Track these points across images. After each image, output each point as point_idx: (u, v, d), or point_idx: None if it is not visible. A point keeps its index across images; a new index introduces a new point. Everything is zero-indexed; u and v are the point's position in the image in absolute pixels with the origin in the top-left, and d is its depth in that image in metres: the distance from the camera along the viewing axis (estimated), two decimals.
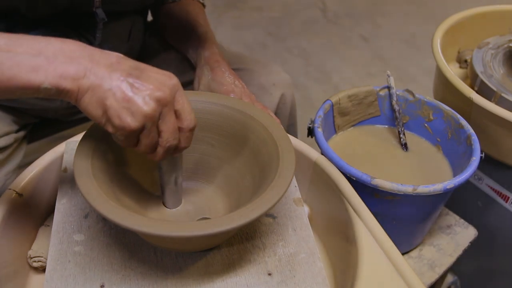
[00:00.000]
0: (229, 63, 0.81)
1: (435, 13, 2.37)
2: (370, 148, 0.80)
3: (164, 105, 0.47)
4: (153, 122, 0.47)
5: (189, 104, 0.49)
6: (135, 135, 0.47)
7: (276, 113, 0.91)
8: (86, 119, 0.93)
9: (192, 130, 0.50)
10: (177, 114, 0.48)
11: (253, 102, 0.75)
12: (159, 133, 0.48)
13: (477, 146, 0.71)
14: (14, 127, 0.77)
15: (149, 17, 0.96)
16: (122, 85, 0.45)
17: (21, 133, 0.80)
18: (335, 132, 0.82)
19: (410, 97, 0.81)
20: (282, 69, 0.94)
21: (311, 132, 0.75)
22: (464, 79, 0.94)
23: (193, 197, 0.60)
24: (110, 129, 0.47)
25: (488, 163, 0.85)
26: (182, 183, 0.57)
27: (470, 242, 0.84)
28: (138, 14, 0.85)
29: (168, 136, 0.48)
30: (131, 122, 0.45)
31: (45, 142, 0.93)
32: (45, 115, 0.85)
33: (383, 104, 0.83)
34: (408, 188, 0.64)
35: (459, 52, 1.04)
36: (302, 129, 0.76)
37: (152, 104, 0.46)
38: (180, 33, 0.88)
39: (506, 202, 0.89)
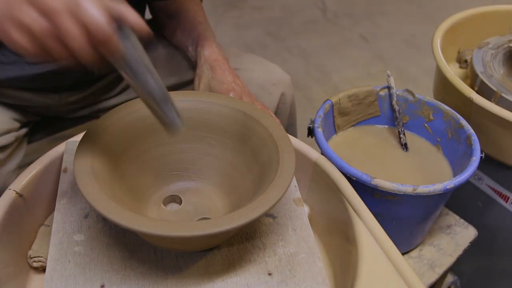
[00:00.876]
0: (229, 62, 0.81)
1: (435, 13, 2.37)
2: (370, 148, 0.80)
3: (56, 17, 0.40)
4: (51, 39, 0.41)
5: (96, 6, 0.41)
6: (41, 55, 0.43)
7: (276, 113, 0.91)
8: (87, 117, 0.94)
9: (103, 39, 0.41)
10: (85, 27, 0.42)
11: (253, 101, 0.75)
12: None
13: (477, 146, 0.71)
14: (16, 125, 0.77)
15: (149, 15, 0.96)
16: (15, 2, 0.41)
17: (23, 131, 0.80)
18: (335, 132, 0.82)
19: (410, 97, 0.81)
20: (282, 68, 0.94)
21: (311, 132, 0.75)
22: (464, 79, 0.94)
23: (193, 197, 0.60)
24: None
25: (488, 163, 0.85)
26: (165, 91, 0.48)
27: (470, 242, 0.84)
28: (134, 7, 0.85)
29: (78, 53, 0.42)
30: (27, 45, 0.41)
31: (45, 142, 0.93)
32: (46, 112, 0.85)
33: (383, 104, 0.83)
34: (408, 188, 0.64)
35: (459, 52, 1.04)
36: (302, 129, 0.77)
37: (40, 21, 0.40)
38: (178, 32, 0.88)
39: (506, 202, 0.89)
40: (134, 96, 0.58)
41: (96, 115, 0.92)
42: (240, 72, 0.86)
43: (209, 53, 0.81)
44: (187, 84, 0.90)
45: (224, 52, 0.84)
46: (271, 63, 0.94)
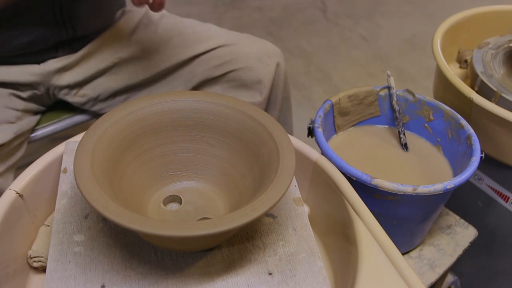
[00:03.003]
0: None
1: (435, 13, 2.37)
2: (370, 148, 0.80)
3: None
4: None
5: None
6: None
7: (272, 85, 0.95)
8: (91, 102, 0.95)
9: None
10: None
11: None
12: None
13: (477, 146, 0.71)
14: (12, 114, 0.80)
15: None
16: None
17: (24, 126, 0.82)
18: (335, 132, 0.82)
19: (410, 97, 0.81)
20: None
21: (311, 132, 0.75)
22: (464, 79, 0.94)
23: (193, 197, 0.60)
24: None
25: (488, 163, 0.85)
26: None
27: (470, 242, 0.84)
28: None
29: None
30: None
31: (45, 142, 0.93)
32: (42, 92, 0.88)
33: (383, 104, 0.83)
34: (408, 188, 0.64)
35: (459, 52, 1.04)
36: (302, 129, 0.77)
37: None
38: None
39: (506, 202, 0.89)
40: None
41: (98, 98, 0.93)
42: (237, 47, 0.90)
43: None
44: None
45: (221, 32, 0.94)
46: (261, 38, 0.99)
